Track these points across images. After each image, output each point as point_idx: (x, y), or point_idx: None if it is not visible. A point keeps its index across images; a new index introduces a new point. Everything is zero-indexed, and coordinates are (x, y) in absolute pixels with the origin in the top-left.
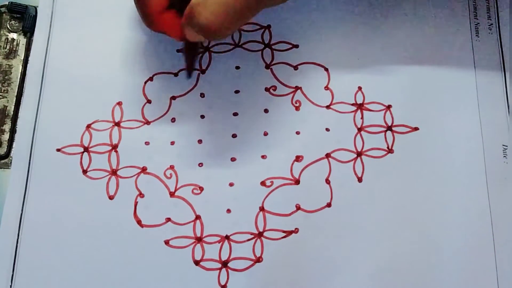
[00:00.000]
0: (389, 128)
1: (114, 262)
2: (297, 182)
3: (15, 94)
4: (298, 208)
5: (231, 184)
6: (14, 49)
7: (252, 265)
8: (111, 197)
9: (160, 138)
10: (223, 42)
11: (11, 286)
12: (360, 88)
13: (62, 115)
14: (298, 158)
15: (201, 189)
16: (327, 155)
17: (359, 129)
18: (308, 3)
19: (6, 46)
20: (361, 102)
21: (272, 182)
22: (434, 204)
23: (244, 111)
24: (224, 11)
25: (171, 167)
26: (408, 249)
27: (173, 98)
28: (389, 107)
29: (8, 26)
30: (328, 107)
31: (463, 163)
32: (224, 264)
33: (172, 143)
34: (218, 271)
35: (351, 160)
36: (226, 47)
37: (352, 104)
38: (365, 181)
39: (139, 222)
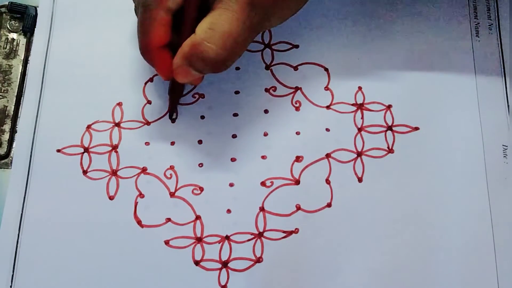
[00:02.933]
0: (390, 128)
1: (114, 262)
2: (297, 182)
3: (15, 94)
4: (298, 208)
5: (231, 185)
6: (14, 49)
7: (252, 265)
8: (111, 198)
9: (160, 139)
10: None
11: (11, 286)
12: (360, 88)
13: (62, 115)
14: (298, 158)
15: (201, 189)
16: (327, 155)
17: (359, 129)
18: (308, 3)
19: (6, 46)
20: (361, 102)
21: (272, 182)
22: (434, 204)
23: (244, 111)
24: (231, 43)
25: (171, 167)
26: (408, 249)
27: None
28: (389, 107)
29: (8, 26)
30: (328, 107)
31: (463, 163)
32: (224, 264)
33: (172, 143)
34: (218, 271)
35: (351, 160)
36: None
37: (352, 104)
38: (365, 181)
39: (139, 222)
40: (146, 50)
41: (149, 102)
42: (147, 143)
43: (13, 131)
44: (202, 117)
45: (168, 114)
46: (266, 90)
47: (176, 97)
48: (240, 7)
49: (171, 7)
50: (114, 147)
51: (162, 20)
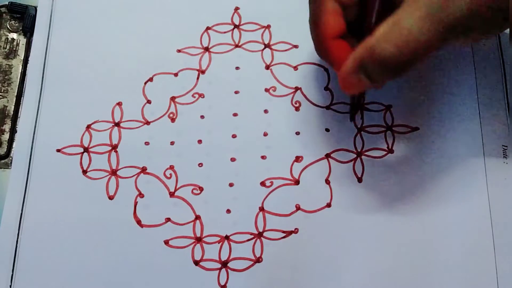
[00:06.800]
0: (389, 128)
1: (114, 262)
2: (297, 182)
3: (15, 94)
4: (298, 208)
5: (231, 184)
6: (14, 49)
7: (252, 265)
8: (111, 197)
9: (160, 138)
10: (223, 42)
11: (11, 286)
12: None
13: (62, 115)
14: (298, 159)
15: (201, 189)
16: (327, 155)
17: (359, 129)
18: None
19: (6, 46)
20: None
21: (272, 183)
22: (434, 204)
23: (244, 111)
24: (411, 42)
25: (171, 167)
26: (408, 249)
27: (173, 98)
28: (389, 107)
29: (8, 26)
30: (328, 107)
31: (463, 163)
32: (224, 264)
33: (172, 143)
34: (218, 271)
35: (351, 160)
36: (226, 47)
37: None
38: (365, 181)
39: (138, 222)
40: (319, 42)
41: (148, 101)
42: (147, 143)
43: (13, 131)
44: (202, 117)
45: (349, 116)
46: (266, 90)
47: (358, 102)
48: (427, 7)
49: None
50: (114, 147)
51: (333, 9)
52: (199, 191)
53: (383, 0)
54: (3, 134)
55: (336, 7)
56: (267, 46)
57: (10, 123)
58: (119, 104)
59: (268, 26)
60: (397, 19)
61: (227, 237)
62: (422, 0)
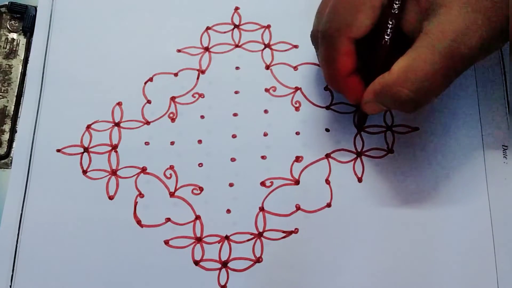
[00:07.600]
0: (389, 128)
1: (114, 262)
2: (297, 182)
3: (15, 94)
4: (298, 208)
5: (231, 185)
6: (14, 49)
7: (252, 265)
8: (111, 197)
9: (160, 138)
10: (223, 42)
11: (11, 286)
12: None
13: (62, 115)
14: (298, 159)
15: (201, 189)
16: (327, 155)
17: (359, 130)
18: (309, 5)
19: (6, 46)
20: None
21: (272, 183)
22: (434, 204)
23: (244, 111)
24: (426, 86)
25: (171, 167)
26: (408, 249)
27: (173, 98)
28: None
29: (8, 26)
30: (328, 107)
31: (463, 163)
32: (224, 264)
33: (172, 143)
34: (218, 271)
35: (351, 160)
36: (226, 47)
37: (352, 105)
38: (365, 181)
39: (138, 222)
40: (333, 80)
41: (148, 101)
42: (147, 143)
43: (13, 131)
44: (202, 117)
45: (357, 125)
46: (266, 90)
47: (364, 119)
48: (440, 53)
49: (355, 37)
50: (114, 147)
51: (347, 50)
52: (199, 191)
53: (394, 34)
54: (3, 134)
55: (350, 47)
56: (267, 46)
57: (10, 123)
58: (119, 104)
59: (268, 26)
60: (411, 60)
61: (227, 237)
62: (437, 40)
